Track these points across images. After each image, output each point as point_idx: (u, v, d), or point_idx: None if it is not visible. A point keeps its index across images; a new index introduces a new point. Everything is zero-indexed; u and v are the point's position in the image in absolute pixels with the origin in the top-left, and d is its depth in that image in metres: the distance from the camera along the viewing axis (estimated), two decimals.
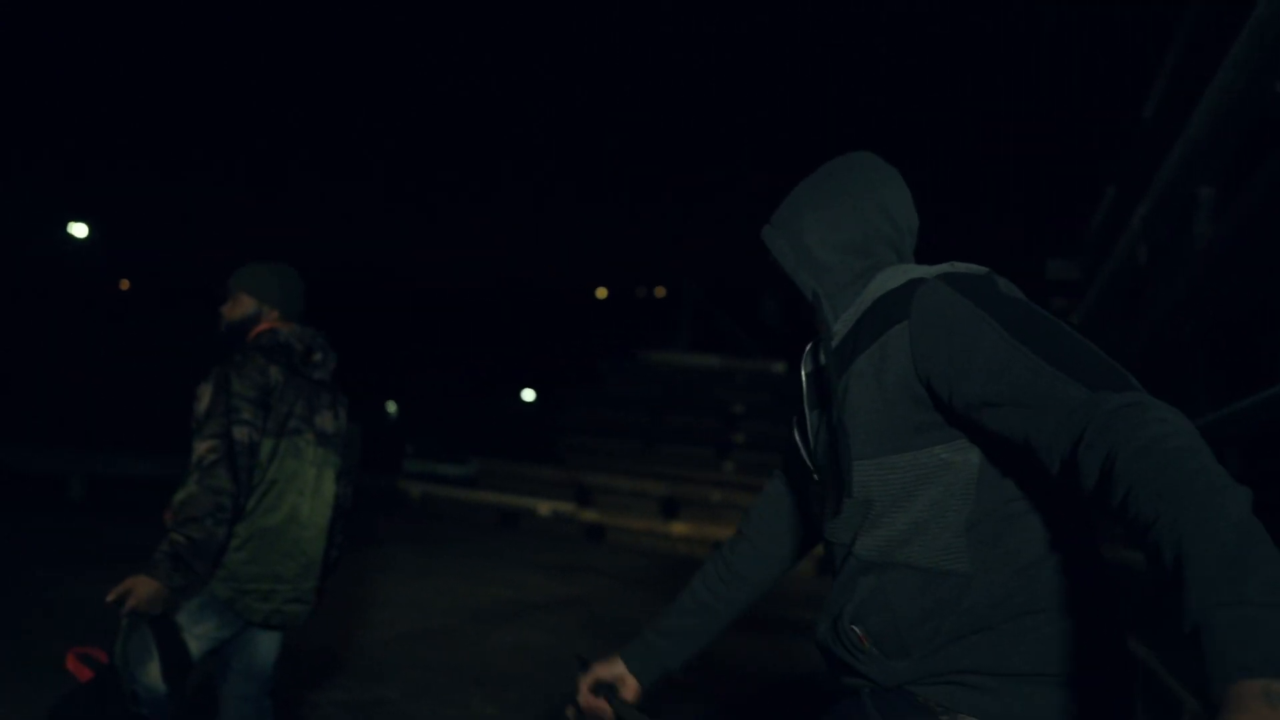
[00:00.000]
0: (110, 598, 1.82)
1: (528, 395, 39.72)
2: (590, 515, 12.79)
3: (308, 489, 2.20)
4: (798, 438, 1.26)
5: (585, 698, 1.47)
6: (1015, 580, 1.02)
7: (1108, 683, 1.02)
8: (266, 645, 2.22)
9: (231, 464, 2.00)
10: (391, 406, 37.32)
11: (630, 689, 1.47)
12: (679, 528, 12.52)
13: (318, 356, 2.28)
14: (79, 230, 18.98)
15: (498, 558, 9.17)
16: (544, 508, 12.55)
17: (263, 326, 2.26)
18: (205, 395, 2.07)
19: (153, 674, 1.88)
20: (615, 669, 1.47)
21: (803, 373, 1.24)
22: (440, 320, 39.44)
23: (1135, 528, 0.80)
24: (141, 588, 1.85)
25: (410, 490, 14.21)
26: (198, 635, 2.06)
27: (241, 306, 2.27)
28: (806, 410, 1.22)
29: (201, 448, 1.99)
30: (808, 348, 1.25)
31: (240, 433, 2.03)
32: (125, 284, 26.09)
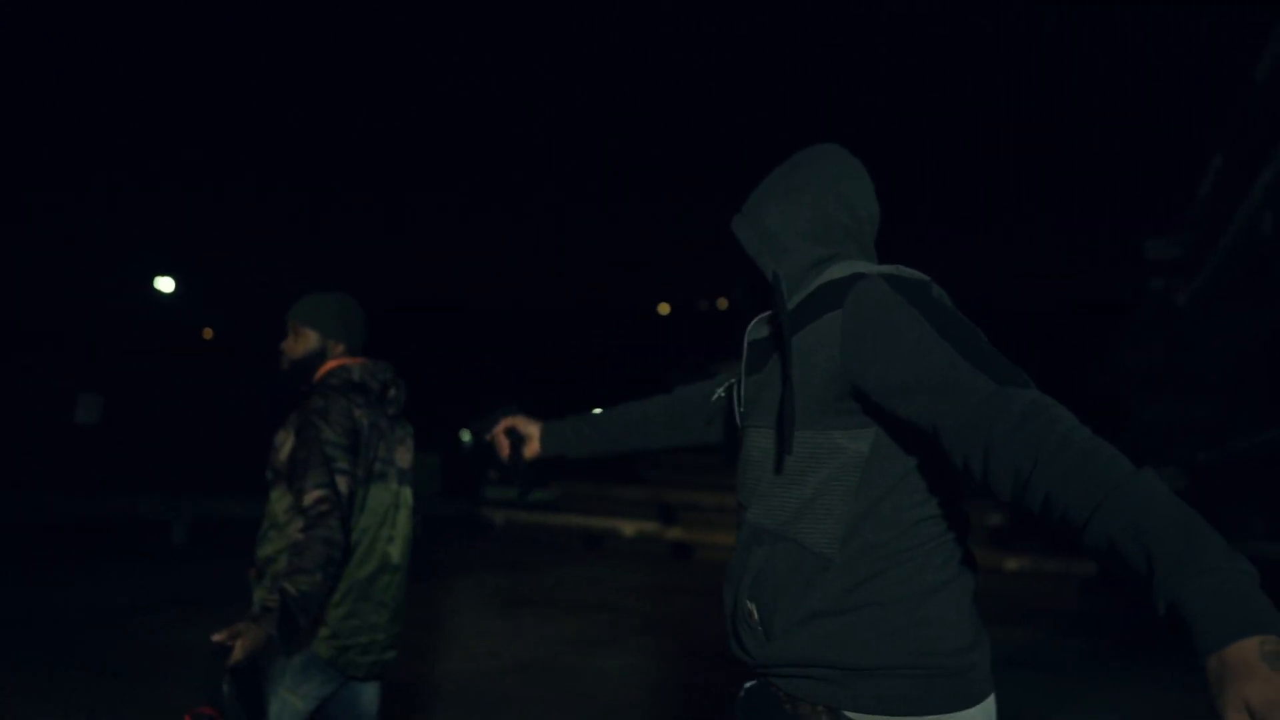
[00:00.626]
0: (217, 638, 1.75)
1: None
2: (675, 533, 12.63)
3: (396, 533, 2.14)
4: (733, 400, 1.34)
5: (499, 431, 1.84)
6: (870, 569, 1.09)
7: (955, 668, 1.07)
8: (369, 696, 2.15)
9: (341, 514, 1.94)
10: (465, 435, 37.88)
11: (531, 449, 1.82)
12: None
13: (393, 393, 2.20)
14: (166, 285, 19.84)
15: (588, 581, 9.10)
16: (629, 528, 12.44)
17: (332, 364, 2.17)
18: (287, 443, 2.01)
19: None
20: (530, 428, 1.82)
21: (745, 341, 1.32)
22: (507, 345, 39.99)
23: (1067, 517, 0.85)
24: (250, 635, 1.76)
25: (494, 517, 14.27)
26: (303, 695, 1.99)
27: (305, 342, 2.18)
28: (743, 375, 1.30)
29: (309, 498, 1.92)
30: (754, 320, 1.33)
31: (341, 482, 1.97)
32: (209, 333, 27.19)
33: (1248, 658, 0.69)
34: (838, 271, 1.19)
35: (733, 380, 1.39)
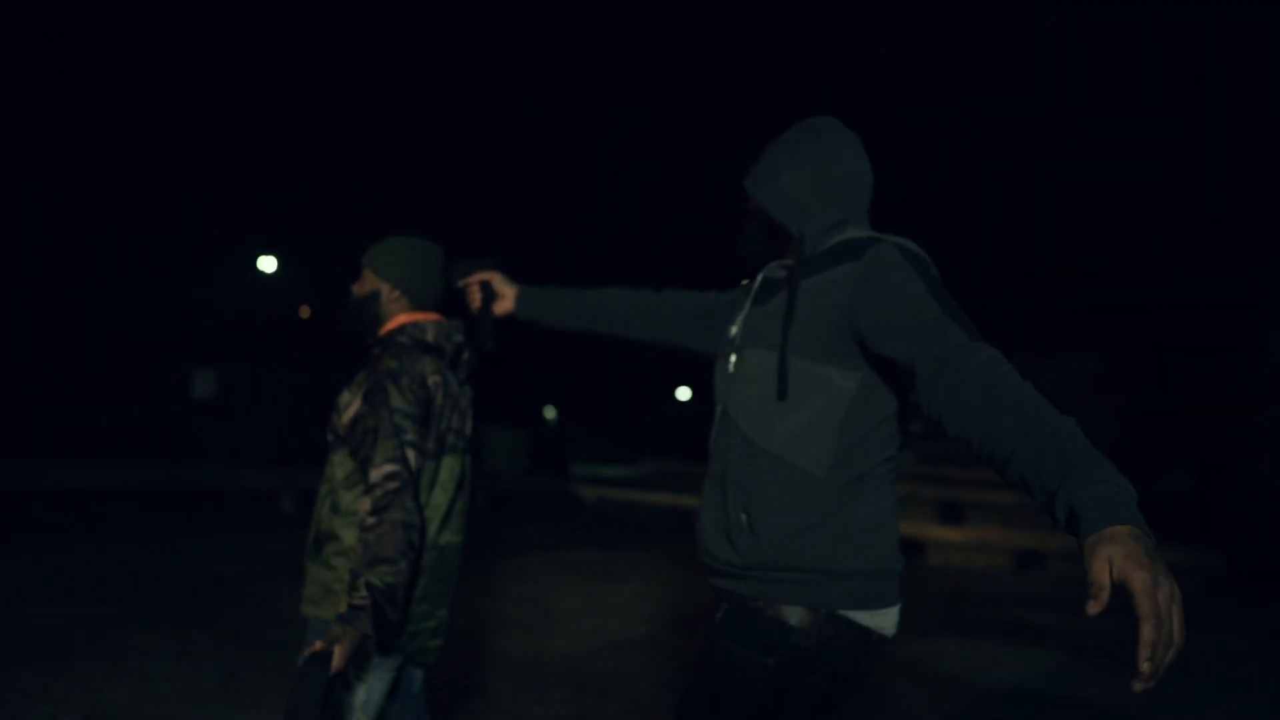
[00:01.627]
0: (316, 648, 1.57)
1: (683, 394, 39.80)
2: None
3: (461, 508, 1.96)
4: (731, 329, 1.54)
5: (474, 282, 1.89)
6: (849, 493, 1.33)
7: (896, 571, 1.37)
8: (420, 680, 2.01)
9: (414, 491, 1.73)
10: (550, 412, 38.40)
11: (503, 307, 1.91)
12: None
13: (465, 355, 1.98)
14: (268, 264, 20.65)
15: (682, 560, 9.05)
16: None
17: (403, 318, 1.95)
18: (352, 406, 1.83)
19: None
20: (507, 289, 1.90)
21: (762, 275, 1.52)
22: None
23: (1002, 443, 1.06)
24: (348, 639, 1.58)
25: (584, 494, 14.40)
26: (383, 681, 1.84)
27: (362, 284, 1.99)
28: (748, 305, 1.51)
29: (378, 473, 1.71)
30: (769, 264, 1.53)
31: (411, 456, 1.75)
32: (306, 311, 28.20)
33: (1117, 532, 0.91)
34: (855, 232, 1.41)
35: (732, 298, 1.69)
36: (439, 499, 1.88)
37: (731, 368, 1.48)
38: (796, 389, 1.33)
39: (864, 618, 1.31)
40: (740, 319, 1.51)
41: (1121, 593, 0.89)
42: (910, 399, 1.36)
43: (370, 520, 1.68)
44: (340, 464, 1.87)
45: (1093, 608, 0.89)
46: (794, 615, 1.30)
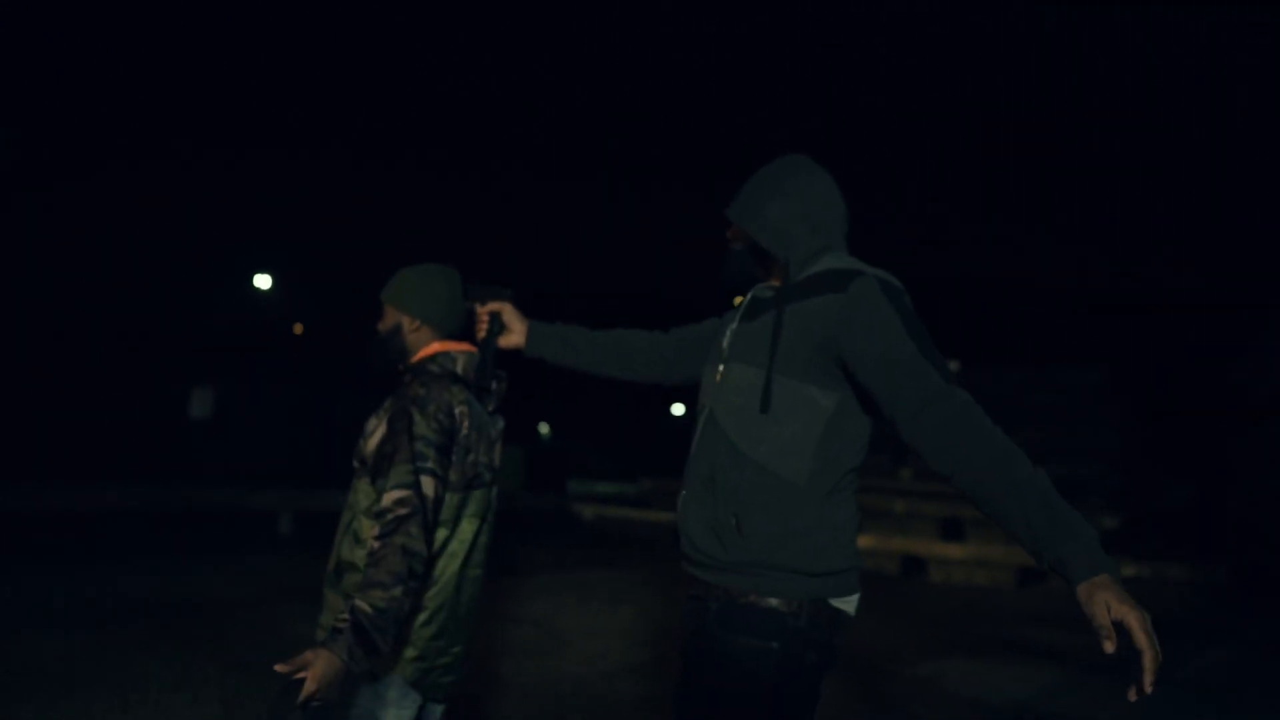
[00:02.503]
0: (282, 669, 1.49)
1: (677, 410, 39.74)
2: None
3: (485, 542, 1.93)
4: (722, 341, 1.67)
5: (484, 311, 1.93)
6: (826, 500, 1.49)
7: (858, 565, 1.55)
8: (437, 711, 1.94)
9: (424, 520, 1.69)
10: (544, 428, 38.28)
11: (512, 340, 1.95)
12: (863, 540, 11.94)
13: (495, 385, 1.96)
14: (263, 281, 20.57)
15: (684, 579, 9.00)
16: None
17: (435, 347, 1.92)
18: (378, 432, 1.81)
19: None
20: (517, 323, 1.94)
21: (750, 295, 1.66)
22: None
23: (981, 488, 1.34)
24: (321, 665, 1.50)
25: (582, 512, 14.32)
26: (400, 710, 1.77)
27: (386, 319, 1.96)
28: (736, 323, 1.64)
29: (390, 498, 1.68)
30: (760, 284, 1.67)
31: (426, 484, 1.72)
32: (299, 328, 28.12)
33: (1106, 580, 1.22)
34: (836, 261, 1.56)
35: (718, 322, 1.82)
36: (465, 532, 1.85)
37: (719, 378, 1.61)
38: (781, 404, 1.49)
39: (837, 602, 1.52)
40: (729, 333, 1.65)
41: (1120, 628, 1.20)
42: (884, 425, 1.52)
43: (375, 545, 1.64)
44: (365, 492, 1.82)
45: (1109, 647, 1.19)
46: (784, 605, 1.47)
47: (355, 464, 1.87)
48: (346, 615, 1.55)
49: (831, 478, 1.50)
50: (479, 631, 5.67)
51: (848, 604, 1.54)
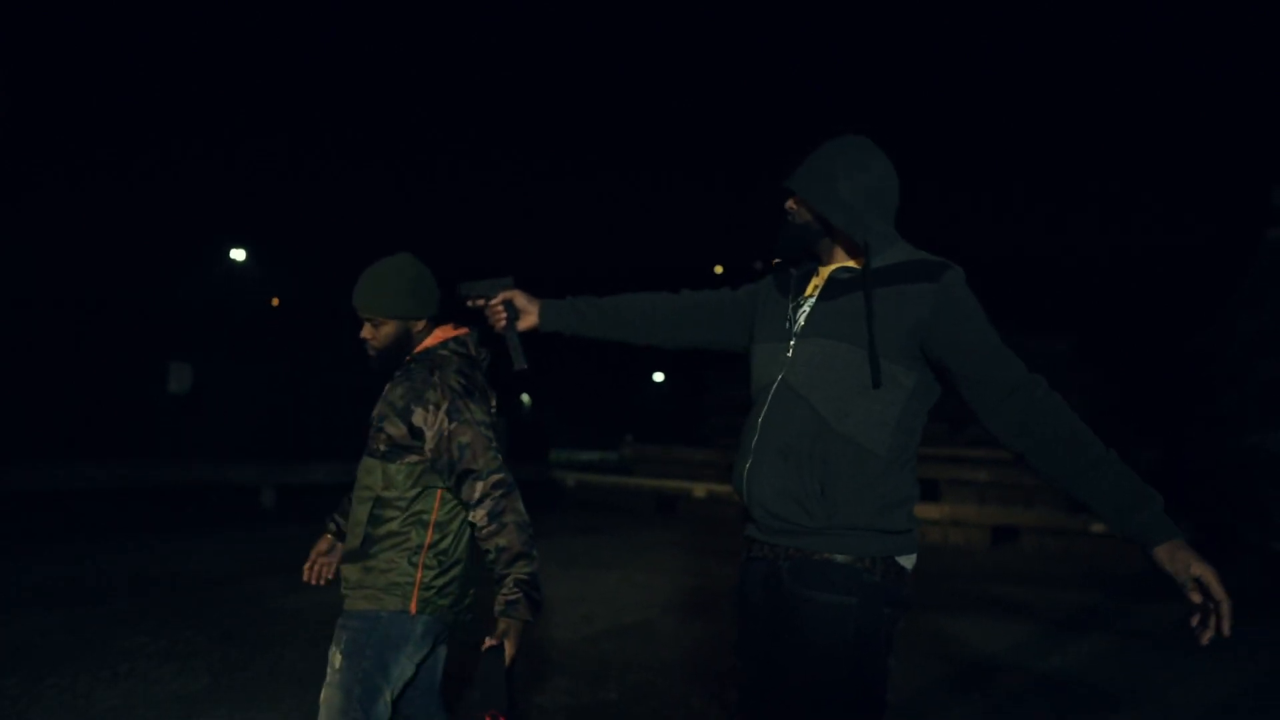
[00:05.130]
0: (491, 642, 1.78)
1: (658, 378, 39.85)
2: None
3: None
4: (786, 315, 1.73)
5: (497, 303, 1.95)
6: (901, 471, 1.61)
7: (914, 530, 1.65)
8: (441, 655, 2.14)
9: (517, 489, 1.93)
10: (525, 398, 38.29)
11: (528, 322, 1.97)
12: None
13: (485, 360, 2.14)
14: (239, 254, 20.30)
15: (668, 545, 9.12)
16: (699, 490, 12.42)
17: (441, 333, 2.06)
18: (436, 424, 1.91)
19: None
20: (530, 305, 1.96)
21: (828, 275, 1.70)
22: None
23: (1062, 468, 1.52)
24: (514, 631, 1.80)
25: (565, 480, 14.40)
26: (413, 660, 1.98)
27: (387, 331, 2.04)
28: (814, 299, 1.69)
29: (487, 483, 1.89)
30: (834, 269, 1.71)
31: (500, 458, 1.95)
32: (275, 301, 27.78)
33: (1182, 543, 1.45)
34: (911, 249, 1.65)
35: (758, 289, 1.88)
36: None
37: (790, 352, 1.67)
38: (865, 381, 1.59)
39: (902, 559, 1.63)
40: (803, 311, 1.70)
41: (1199, 582, 1.43)
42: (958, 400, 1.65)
43: (491, 527, 1.87)
44: (405, 474, 1.95)
45: (1195, 598, 1.42)
46: (859, 562, 1.58)
47: (380, 447, 1.97)
48: (513, 589, 1.81)
49: (906, 449, 1.62)
50: None
51: (909, 561, 1.65)
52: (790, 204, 1.72)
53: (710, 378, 15.07)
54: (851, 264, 1.68)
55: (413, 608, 1.94)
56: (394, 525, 1.95)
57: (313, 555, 2.26)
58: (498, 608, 1.82)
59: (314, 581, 2.22)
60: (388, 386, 2.03)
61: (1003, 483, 10.31)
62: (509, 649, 1.78)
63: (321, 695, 1.96)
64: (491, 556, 1.89)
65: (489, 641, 1.78)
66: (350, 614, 1.96)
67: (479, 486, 1.88)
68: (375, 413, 2.01)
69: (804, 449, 1.59)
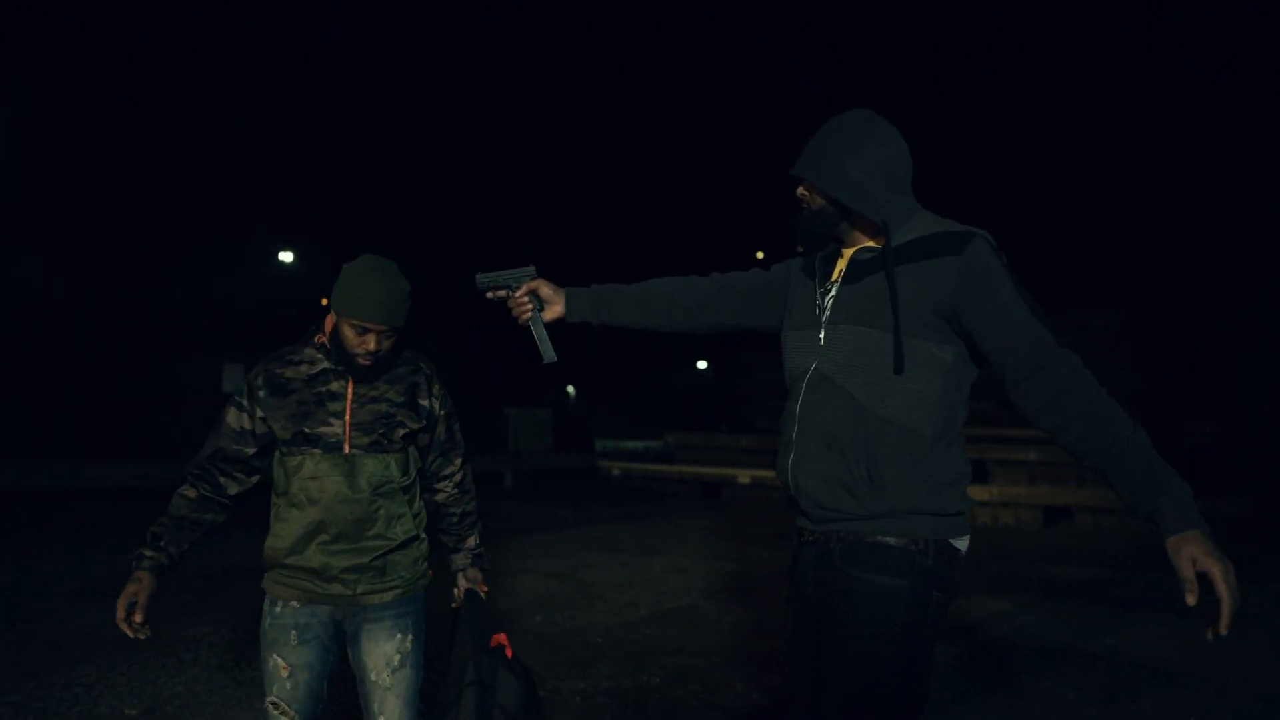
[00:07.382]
0: (467, 588, 2.14)
1: (702, 365, 39.78)
2: None
3: None
4: (814, 301, 1.69)
5: (521, 294, 1.90)
6: (948, 450, 1.58)
7: (966, 511, 1.61)
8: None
9: None
10: (571, 390, 38.51)
11: (555, 312, 1.91)
12: None
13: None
14: (287, 256, 20.77)
15: (712, 531, 9.15)
16: (744, 476, 12.41)
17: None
18: (440, 415, 2.12)
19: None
20: (555, 295, 1.91)
21: (850, 258, 1.66)
22: None
23: (1087, 443, 1.46)
24: (481, 579, 2.19)
25: (610, 469, 14.51)
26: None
27: (393, 342, 2.01)
28: (839, 284, 1.65)
29: (466, 470, 2.21)
30: (859, 245, 1.66)
31: None
32: (325, 301, 28.33)
33: (1193, 535, 1.36)
34: (935, 221, 1.60)
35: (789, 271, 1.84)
36: None
37: (822, 340, 1.64)
38: (907, 362, 1.55)
39: (955, 542, 1.60)
40: (830, 296, 1.66)
41: (1204, 579, 1.35)
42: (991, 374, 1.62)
43: (466, 495, 2.19)
44: (394, 463, 2.01)
45: (1191, 599, 1.34)
46: (910, 544, 1.55)
47: (396, 441, 2.00)
48: (479, 544, 2.19)
49: (952, 427, 1.58)
50: (508, 586, 5.79)
51: (962, 543, 1.62)
52: (801, 191, 1.67)
53: (751, 360, 15.02)
54: (872, 244, 1.63)
55: (430, 573, 2.12)
56: (415, 508, 2.09)
57: (139, 602, 2.03)
58: (464, 560, 2.15)
59: (133, 636, 1.98)
60: (370, 387, 2.01)
61: (1052, 461, 10.12)
62: (484, 590, 2.15)
63: (391, 678, 2.00)
64: (456, 519, 2.17)
65: (465, 586, 2.13)
66: (407, 600, 2.05)
67: (458, 460, 2.16)
68: (376, 413, 1.99)
69: (846, 435, 1.56)
